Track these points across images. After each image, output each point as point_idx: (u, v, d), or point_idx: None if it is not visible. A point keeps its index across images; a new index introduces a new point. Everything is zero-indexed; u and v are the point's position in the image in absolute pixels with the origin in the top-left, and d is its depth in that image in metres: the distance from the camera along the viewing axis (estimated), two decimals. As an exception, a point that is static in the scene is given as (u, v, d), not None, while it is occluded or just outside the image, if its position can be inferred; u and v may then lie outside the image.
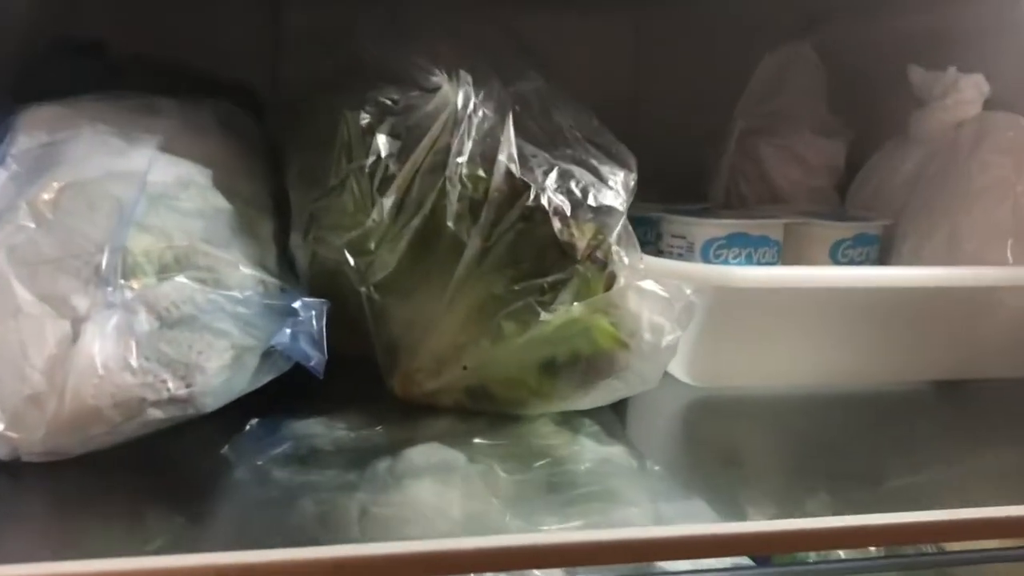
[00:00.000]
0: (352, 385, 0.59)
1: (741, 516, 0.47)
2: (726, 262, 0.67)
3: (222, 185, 0.57)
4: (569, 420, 0.59)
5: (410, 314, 0.56)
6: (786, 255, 0.70)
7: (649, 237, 0.72)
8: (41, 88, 0.64)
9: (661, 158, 0.69)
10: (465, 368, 0.56)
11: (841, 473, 0.53)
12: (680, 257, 0.68)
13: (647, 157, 0.61)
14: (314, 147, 0.58)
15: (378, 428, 0.56)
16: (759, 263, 0.68)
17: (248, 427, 0.55)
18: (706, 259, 0.67)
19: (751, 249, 0.67)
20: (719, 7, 0.92)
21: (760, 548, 0.51)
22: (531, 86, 0.60)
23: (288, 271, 0.58)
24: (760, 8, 0.91)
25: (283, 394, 0.55)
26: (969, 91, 0.73)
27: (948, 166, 0.72)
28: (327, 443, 0.55)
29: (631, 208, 0.60)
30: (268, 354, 0.52)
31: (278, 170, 0.62)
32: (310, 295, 0.54)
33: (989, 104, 0.74)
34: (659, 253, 0.70)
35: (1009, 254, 0.67)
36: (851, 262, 0.71)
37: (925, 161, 0.75)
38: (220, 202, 0.56)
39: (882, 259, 0.73)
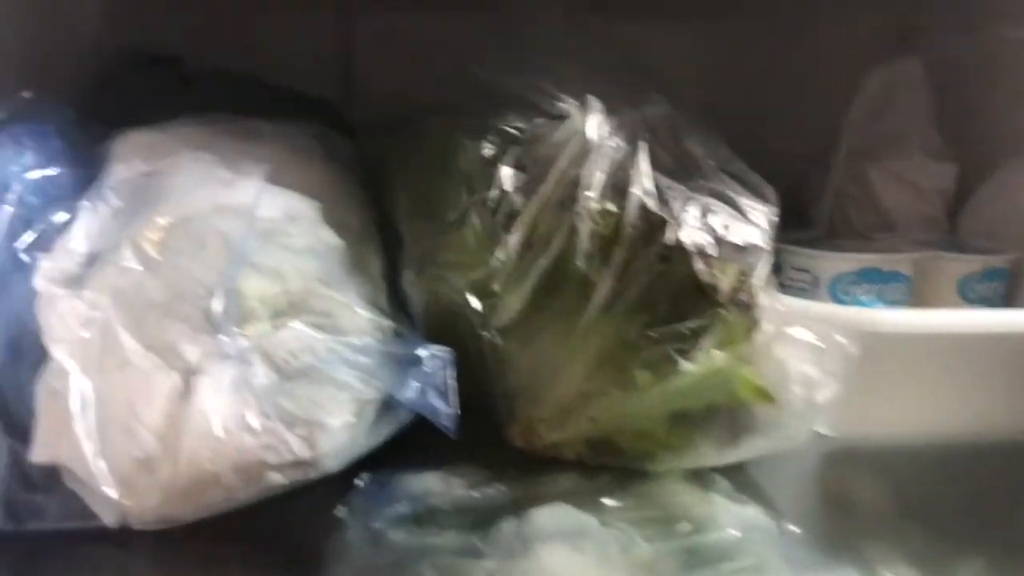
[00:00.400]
0: (466, 434, 0.55)
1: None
2: (857, 299, 0.62)
3: (331, 218, 0.52)
4: (698, 475, 0.55)
5: (534, 360, 0.52)
6: (914, 292, 0.65)
7: (762, 268, 0.67)
8: (117, 104, 0.60)
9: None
10: (592, 420, 0.52)
11: (999, 538, 0.49)
12: (804, 292, 0.63)
13: None
14: (427, 177, 0.54)
15: (498, 484, 0.52)
16: (890, 301, 0.63)
17: (359, 483, 0.51)
18: (834, 296, 0.62)
19: (882, 285, 0.62)
20: (814, 19, 0.88)
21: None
22: (658, 110, 0.56)
23: (399, 311, 0.53)
24: (856, 20, 0.87)
25: (391, 443, 0.51)
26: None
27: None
28: (445, 501, 0.50)
29: None
30: (387, 406, 0.48)
31: (381, 199, 0.58)
32: (425, 338, 0.50)
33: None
34: (780, 287, 0.65)
35: None
36: (980, 298, 0.66)
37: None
38: (331, 237, 0.51)
39: (1010, 294, 0.68)
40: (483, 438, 0.54)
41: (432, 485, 0.51)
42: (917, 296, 0.65)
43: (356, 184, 0.58)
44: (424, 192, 0.54)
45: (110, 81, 0.69)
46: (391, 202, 0.57)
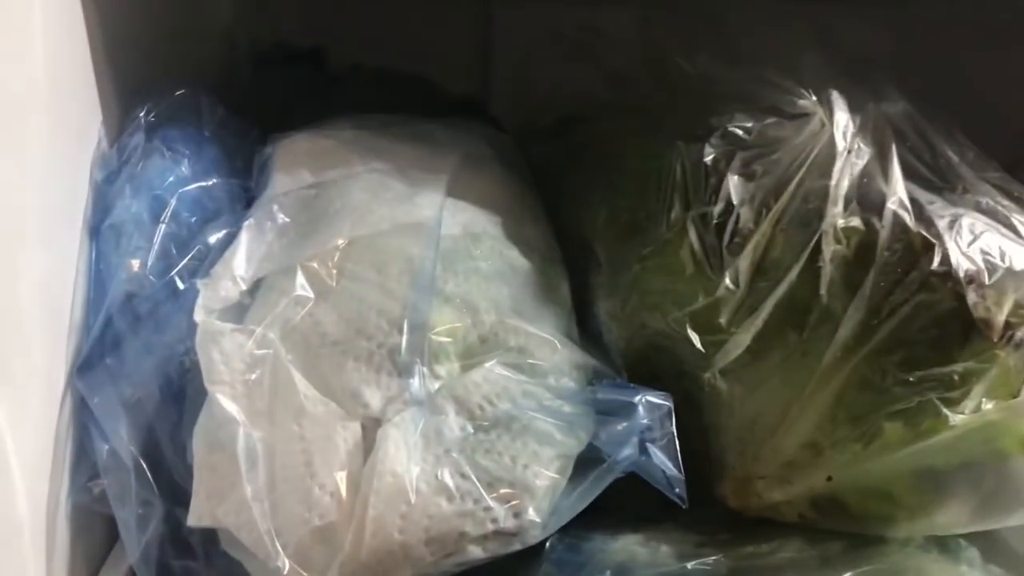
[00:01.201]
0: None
1: None
2: None
3: (514, 235, 0.45)
4: (943, 542, 0.46)
5: (758, 407, 0.43)
6: None
7: None
8: (259, 102, 0.54)
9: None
10: (830, 479, 0.43)
11: None
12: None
13: None
14: (626, 186, 0.46)
15: (711, 551, 0.44)
16: None
17: (548, 549, 0.43)
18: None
19: None
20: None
21: None
22: (898, 108, 0.47)
23: (589, 345, 0.45)
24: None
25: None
26: None
27: None
28: (652, 572, 0.42)
29: None
30: (587, 464, 0.40)
31: (560, 209, 0.50)
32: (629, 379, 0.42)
33: None
34: None
35: None
36: None
37: None
38: (518, 259, 0.44)
39: None
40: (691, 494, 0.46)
41: (635, 552, 0.43)
42: None
43: (534, 194, 0.51)
44: (624, 207, 0.45)
45: (250, 76, 0.63)
46: (572, 215, 0.49)
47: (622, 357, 0.45)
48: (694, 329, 0.42)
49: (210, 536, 0.37)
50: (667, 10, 0.56)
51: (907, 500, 0.45)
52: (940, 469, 0.44)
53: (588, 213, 0.48)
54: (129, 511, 0.36)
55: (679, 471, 0.38)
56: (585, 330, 0.46)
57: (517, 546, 0.37)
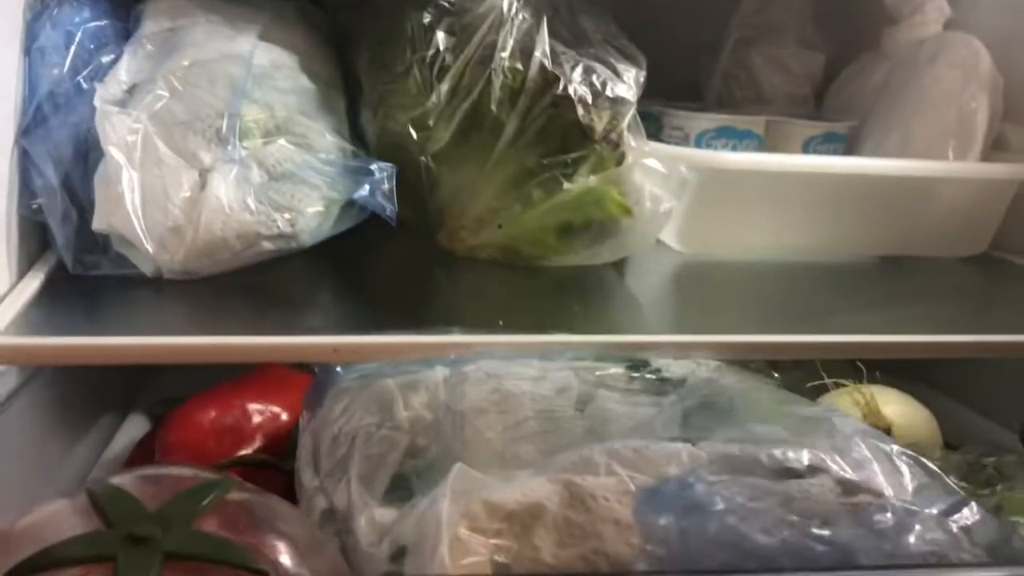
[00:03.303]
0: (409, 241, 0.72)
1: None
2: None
3: (306, 68, 0.69)
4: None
5: (459, 180, 0.69)
6: (766, 147, 0.83)
7: (651, 130, 0.84)
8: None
9: (663, 63, 0.81)
10: (499, 227, 0.70)
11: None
12: (678, 145, 0.81)
13: (651, 62, 0.73)
14: (382, 39, 0.71)
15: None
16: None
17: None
18: (699, 148, 0.80)
19: (736, 141, 0.80)
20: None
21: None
22: (558, -7, 0.73)
23: (358, 141, 0.71)
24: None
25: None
26: (932, 12, 0.86)
27: (909, 77, 0.85)
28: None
29: (637, 105, 0.74)
30: (349, 205, 0.66)
31: (346, 57, 0.75)
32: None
33: (948, 25, 0.86)
34: (661, 143, 0.83)
35: (951, 153, 0.80)
36: (820, 155, 0.84)
37: (891, 73, 0.88)
38: (306, 82, 0.68)
39: (849, 154, 0.87)
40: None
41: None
42: (770, 152, 0.84)
43: (328, 45, 0.75)
44: (379, 51, 0.70)
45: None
46: (356, 60, 0.74)
47: (374, 148, 0.70)
48: (414, 128, 0.68)
49: (105, 238, 0.62)
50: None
51: (553, 244, 0.72)
52: (573, 223, 0.71)
53: (359, 57, 0.73)
54: (56, 218, 0.60)
55: (394, 207, 0.64)
56: (356, 132, 0.72)
57: (294, 246, 0.63)
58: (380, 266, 0.71)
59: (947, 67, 0.83)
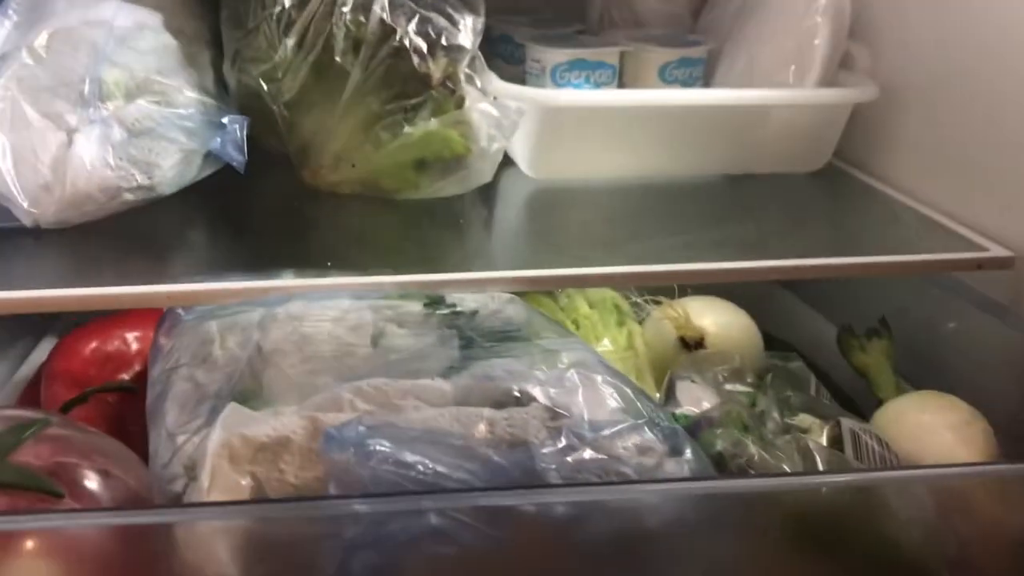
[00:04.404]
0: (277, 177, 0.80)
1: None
2: (569, 83, 0.86)
3: (171, 26, 0.76)
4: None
5: (313, 125, 0.76)
6: (624, 75, 0.89)
7: (519, 58, 0.91)
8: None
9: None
10: (353, 166, 0.77)
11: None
12: (537, 77, 0.87)
13: None
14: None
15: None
16: (597, 83, 0.87)
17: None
18: (554, 80, 0.86)
19: (589, 72, 0.86)
20: None
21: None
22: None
23: (223, 92, 0.78)
24: None
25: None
26: (786, -63, 0.90)
27: (760, 3, 0.90)
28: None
29: (513, 33, 0.86)
30: (207, 156, 0.74)
31: (214, 10, 0.81)
32: (240, 111, 0.75)
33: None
34: (524, 72, 0.89)
35: (791, 77, 0.86)
36: (676, 81, 0.89)
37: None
38: (169, 40, 0.75)
39: (707, 77, 0.92)
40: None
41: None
42: (628, 80, 0.89)
43: (195, 1, 0.81)
44: (235, 7, 0.77)
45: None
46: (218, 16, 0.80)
47: (234, 97, 0.78)
48: (264, 81, 0.75)
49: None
50: None
51: (411, 178, 0.79)
52: (427, 158, 0.78)
53: (220, 15, 0.79)
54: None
55: (243, 156, 0.71)
56: (223, 82, 0.79)
57: (154, 195, 0.71)
58: (248, 204, 0.78)
59: (793, -7, 0.87)
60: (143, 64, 0.72)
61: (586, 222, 0.80)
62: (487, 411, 0.51)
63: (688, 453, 0.51)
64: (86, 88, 0.69)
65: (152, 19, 0.75)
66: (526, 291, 0.74)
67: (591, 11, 1.02)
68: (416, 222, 0.77)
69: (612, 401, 0.53)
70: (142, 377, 0.72)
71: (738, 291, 0.89)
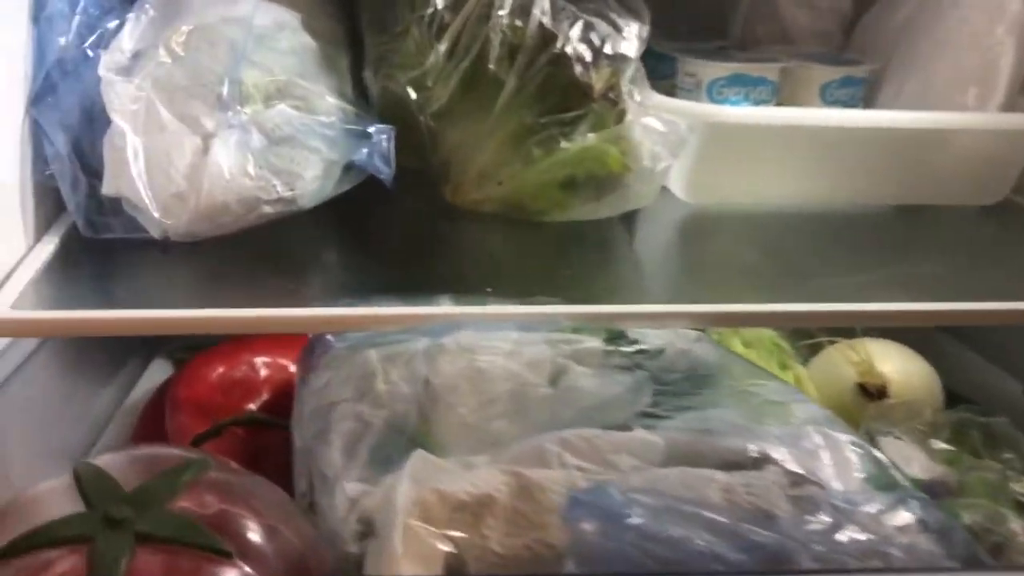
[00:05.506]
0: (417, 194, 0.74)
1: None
2: (727, 99, 0.79)
3: (308, 26, 0.70)
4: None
5: (459, 138, 0.70)
6: (781, 93, 0.82)
7: (666, 72, 0.84)
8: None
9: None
10: (500, 184, 0.71)
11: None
12: (690, 93, 0.80)
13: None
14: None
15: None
16: (756, 101, 0.80)
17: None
18: (711, 95, 0.79)
19: (749, 88, 0.79)
20: None
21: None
22: (565, -56, 0.72)
23: (361, 100, 0.72)
24: None
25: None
26: (960, -51, 0.82)
27: (932, 18, 0.82)
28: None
29: (657, 46, 0.75)
30: (348, 167, 0.67)
31: (351, 11, 0.75)
32: (380, 121, 0.69)
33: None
34: (674, 87, 0.82)
35: (971, 100, 0.78)
36: (837, 101, 0.82)
37: (915, 12, 0.85)
38: (308, 41, 0.69)
39: (869, 99, 0.85)
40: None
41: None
42: (786, 98, 0.82)
43: (331, 2, 0.76)
44: (379, 10, 0.71)
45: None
46: (359, 18, 0.74)
47: (376, 106, 0.71)
48: (413, 89, 0.68)
49: (116, 201, 0.64)
50: None
51: (558, 198, 0.73)
52: (576, 178, 0.72)
53: (362, 14, 0.73)
54: (67, 184, 0.63)
55: (391, 169, 0.65)
56: (360, 89, 0.73)
57: (294, 208, 0.65)
58: (385, 221, 0.72)
59: (972, 7, 0.80)
60: (283, 66, 0.66)
61: (750, 252, 0.72)
62: (719, 475, 0.44)
63: (956, 534, 0.43)
64: (224, 90, 0.63)
65: (291, 18, 0.69)
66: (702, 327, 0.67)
67: (733, 26, 0.95)
68: (565, 246, 0.71)
69: (859, 466, 0.45)
70: (272, 406, 0.66)
71: (897, 336, 0.81)
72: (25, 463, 0.62)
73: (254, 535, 0.41)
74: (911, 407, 0.65)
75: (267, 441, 0.51)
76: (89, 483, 0.44)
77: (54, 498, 0.44)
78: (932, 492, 0.54)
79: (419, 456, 0.45)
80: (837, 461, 0.46)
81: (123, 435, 0.73)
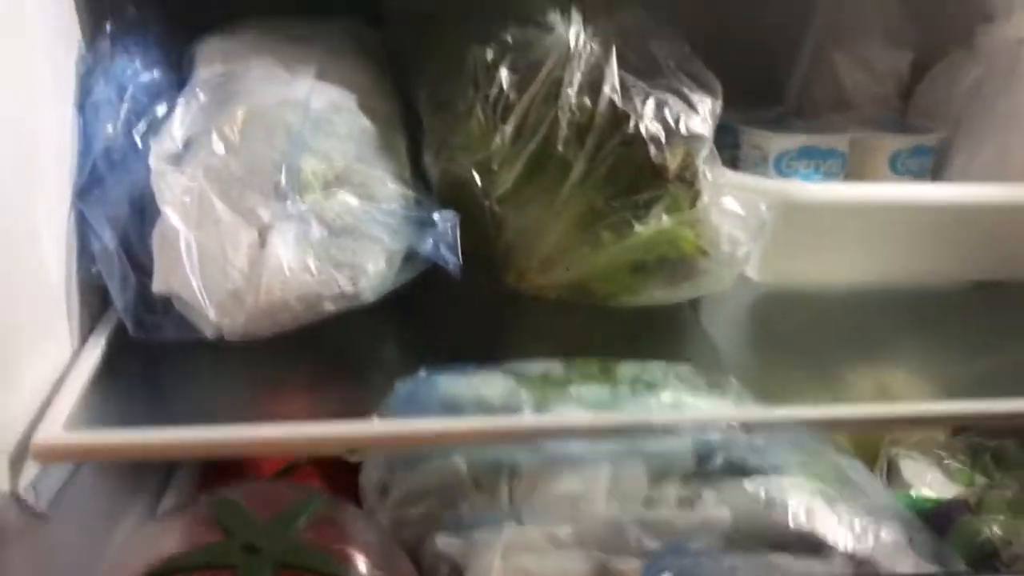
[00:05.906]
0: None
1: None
2: (796, 172, 0.75)
3: (365, 107, 0.67)
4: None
5: (524, 223, 0.66)
6: (850, 163, 0.78)
7: (728, 143, 0.80)
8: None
9: (740, 60, 0.76)
10: (567, 269, 0.67)
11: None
12: (755, 166, 0.77)
13: (730, 62, 0.68)
14: (442, 76, 0.67)
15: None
16: (826, 173, 0.76)
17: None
18: (778, 169, 0.76)
19: (819, 161, 0.76)
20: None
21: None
22: (630, 17, 0.68)
23: (420, 182, 0.68)
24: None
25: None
26: (1034, 10, 0.79)
27: (1004, 82, 0.79)
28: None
29: None
30: (409, 255, 0.63)
31: (405, 89, 0.72)
32: (440, 204, 0.65)
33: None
34: (736, 159, 0.79)
35: (1053, 170, 0.75)
36: (908, 171, 0.79)
37: (985, 76, 0.82)
38: (366, 123, 0.66)
39: (937, 168, 0.81)
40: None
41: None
42: (854, 169, 0.79)
43: (385, 75, 0.72)
44: (439, 88, 0.67)
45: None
46: (416, 96, 0.71)
47: (436, 189, 0.68)
48: (477, 172, 0.65)
49: (167, 299, 0.60)
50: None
51: (627, 283, 0.69)
52: (647, 262, 0.68)
53: (418, 93, 0.70)
54: (115, 282, 0.59)
55: (458, 259, 0.61)
56: (418, 169, 0.69)
57: (356, 304, 0.61)
58: (445, 313, 0.68)
59: (1049, 73, 0.77)
60: (342, 151, 0.63)
61: (838, 339, 0.68)
62: (780, 559, 0.40)
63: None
64: (282, 178, 0.60)
65: (347, 100, 0.66)
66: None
67: (790, 90, 0.92)
68: (637, 335, 0.67)
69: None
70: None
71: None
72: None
73: (363, 564, 0.40)
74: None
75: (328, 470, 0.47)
76: (225, 514, 0.43)
77: (191, 527, 0.43)
78: (953, 510, 0.53)
79: (513, 531, 0.41)
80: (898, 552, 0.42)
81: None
